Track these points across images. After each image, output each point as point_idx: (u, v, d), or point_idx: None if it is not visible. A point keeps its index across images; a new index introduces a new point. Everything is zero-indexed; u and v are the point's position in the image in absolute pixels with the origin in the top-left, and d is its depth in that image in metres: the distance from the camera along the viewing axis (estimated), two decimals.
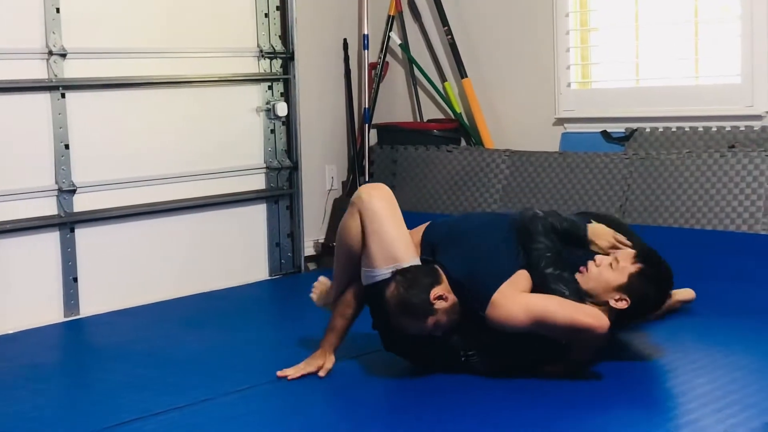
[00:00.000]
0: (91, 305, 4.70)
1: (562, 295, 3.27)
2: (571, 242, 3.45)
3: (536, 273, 3.33)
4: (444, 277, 3.32)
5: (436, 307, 3.25)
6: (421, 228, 3.56)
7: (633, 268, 3.38)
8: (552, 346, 3.31)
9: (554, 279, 3.31)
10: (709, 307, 4.29)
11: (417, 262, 3.38)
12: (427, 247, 3.47)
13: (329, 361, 3.49)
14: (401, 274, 3.29)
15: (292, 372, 3.47)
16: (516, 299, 3.26)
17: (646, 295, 3.37)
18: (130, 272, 4.88)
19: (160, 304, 4.85)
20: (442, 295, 3.27)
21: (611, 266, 3.38)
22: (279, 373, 3.47)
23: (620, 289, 3.34)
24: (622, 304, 3.34)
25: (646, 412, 3.08)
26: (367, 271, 3.40)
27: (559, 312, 3.22)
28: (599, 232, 3.51)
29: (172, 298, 4.94)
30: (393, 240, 3.37)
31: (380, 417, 3.21)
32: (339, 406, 3.32)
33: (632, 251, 3.44)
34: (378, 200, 3.41)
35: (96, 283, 4.74)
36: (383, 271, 3.35)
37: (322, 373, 3.46)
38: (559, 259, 3.36)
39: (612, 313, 3.33)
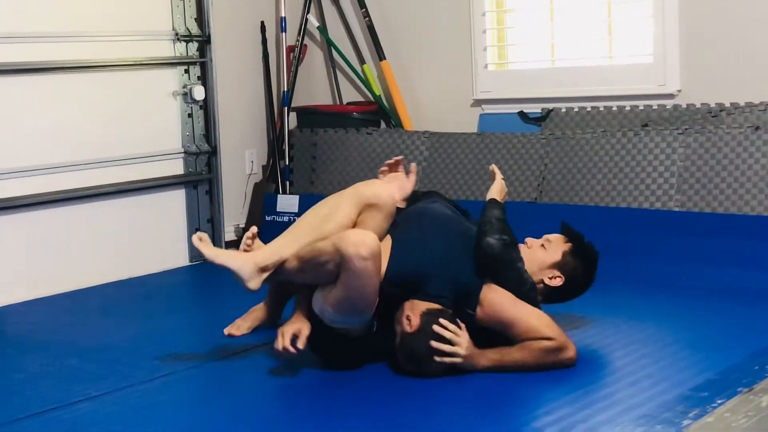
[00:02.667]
0: (4, 295, 4.60)
1: (536, 302, 3.36)
2: None
3: (520, 294, 3.32)
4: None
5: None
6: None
7: (565, 246, 3.51)
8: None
9: (530, 290, 3.37)
10: (624, 283, 4.37)
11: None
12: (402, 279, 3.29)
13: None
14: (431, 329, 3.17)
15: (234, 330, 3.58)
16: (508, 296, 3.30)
17: (577, 271, 3.49)
18: (45, 261, 4.80)
19: (77, 293, 4.78)
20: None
21: (543, 246, 3.51)
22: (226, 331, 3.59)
23: (554, 266, 3.47)
24: (557, 282, 3.46)
25: (560, 387, 3.13)
26: (325, 309, 3.25)
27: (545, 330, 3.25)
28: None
29: (90, 286, 4.87)
30: (364, 307, 3.22)
31: (307, 399, 3.20)
32: (262, 389, 3.30)
33: (561, 235, 3.58)
34: (370, 262, 3.14)
35: (9, 272, 4.65)
36: (337, 319, 3.25)
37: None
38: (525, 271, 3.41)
39: (545, 290, 3.47)
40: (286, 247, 3.36)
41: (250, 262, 3.33)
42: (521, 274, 3.37)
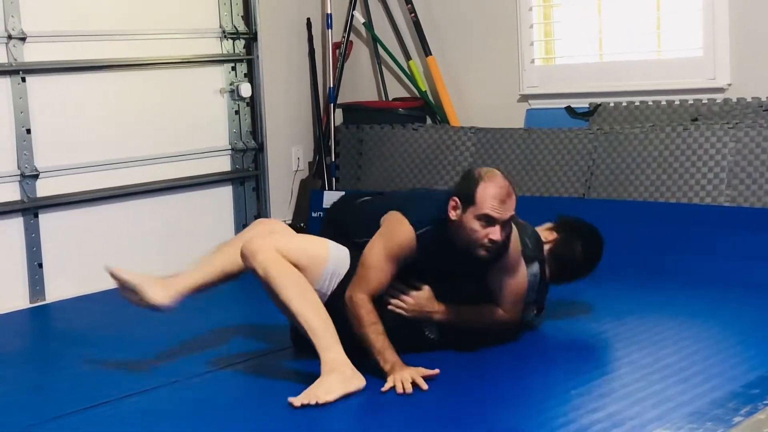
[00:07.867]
0: (56, 291, 4.67)
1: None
2: None
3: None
4: None
5: None
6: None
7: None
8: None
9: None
10: (673, 279, 4.34)
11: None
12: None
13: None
14: None
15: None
16: None
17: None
18: (95, 257, 4.83)
19: None
20: None
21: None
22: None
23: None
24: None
25: (610, 384, 3.11)
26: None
27: None
28: None
29: None
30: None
31: (359, 395, 3.20)
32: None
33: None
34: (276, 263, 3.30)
35: (61, 268, 4.71)
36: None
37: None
38: None
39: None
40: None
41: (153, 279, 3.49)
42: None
